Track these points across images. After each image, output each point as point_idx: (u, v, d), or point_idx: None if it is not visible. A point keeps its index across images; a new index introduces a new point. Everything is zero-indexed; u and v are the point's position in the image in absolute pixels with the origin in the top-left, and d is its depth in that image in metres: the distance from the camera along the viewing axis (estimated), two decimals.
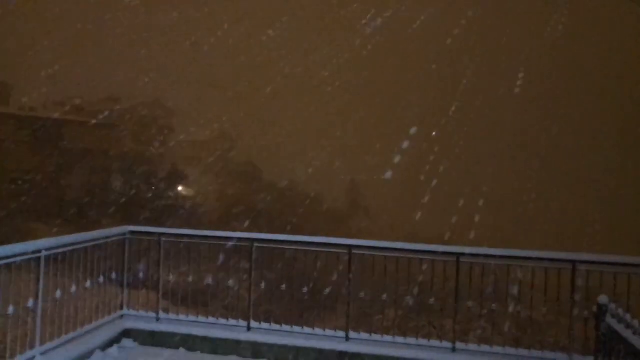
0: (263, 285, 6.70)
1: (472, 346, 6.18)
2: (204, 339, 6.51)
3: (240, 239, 6.74)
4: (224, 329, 6.64)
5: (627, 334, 4.13)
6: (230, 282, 6.85)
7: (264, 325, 6.67)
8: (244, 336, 6.48)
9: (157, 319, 6.85)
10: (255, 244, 6.62)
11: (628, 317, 4.28)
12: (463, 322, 6.42)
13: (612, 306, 4.69)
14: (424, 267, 6.23)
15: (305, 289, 6.55)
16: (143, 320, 6.81)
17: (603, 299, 4.87)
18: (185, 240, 6.99)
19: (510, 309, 6.09)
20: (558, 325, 5.94)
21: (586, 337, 5.66)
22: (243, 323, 6.69)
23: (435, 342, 6.24)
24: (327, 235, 8.02)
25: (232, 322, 6.75)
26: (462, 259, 6.06)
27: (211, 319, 6.80)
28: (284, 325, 6.62)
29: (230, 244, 6.71)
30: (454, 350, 6.09)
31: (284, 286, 6.60)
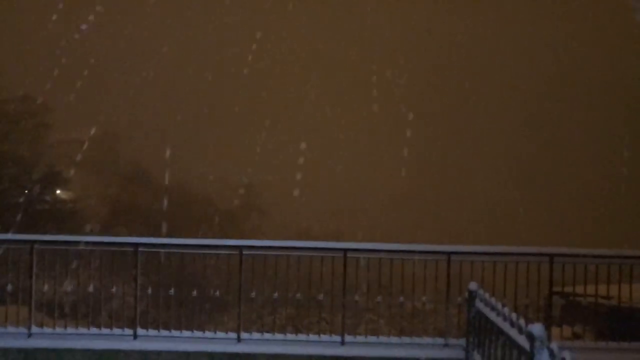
0: (150, 290, 6.45)
1: (360, 338, 6.47)
2: (86, 351, 6.12)
3: (123, 244, 6.43)
4: (108, 339, 6.30)
5: (492, 315, 4.59)
6: (114, 289, 6.51)
7: (152, 332, 6.43)
8: (131, 345, 6.21)
9: (29, 335, 6.30)
10: (140, 249, 6.35)
11: (493, 300, 4.75)
12: (353, 315, 6.69)
13: (481, 292, 5.18)
14: (314, 263, 6.39)
15: (194, 293, 6.42)
16: (11, 337, 6.23)
17: (473, 285, 5.35)
18: (62, 247, 6.52)
19: (395, 300, 6.46)
20: (437, 312, 6.43)
21: (460, 321, 6.18)
22: (129, 331, 6.40)
23: (325, 337, 6.44)
24: (220, 237, 7.91)
25: (117, 331, 6.44)
26: (349, 254, 6.31)
27: (94, 330, 6.44)
28: (172, 331, 6.44)
29: (112, 249, 6.38)
30: (343, 343, 6.32)
31: (172, 291, 6.41)
